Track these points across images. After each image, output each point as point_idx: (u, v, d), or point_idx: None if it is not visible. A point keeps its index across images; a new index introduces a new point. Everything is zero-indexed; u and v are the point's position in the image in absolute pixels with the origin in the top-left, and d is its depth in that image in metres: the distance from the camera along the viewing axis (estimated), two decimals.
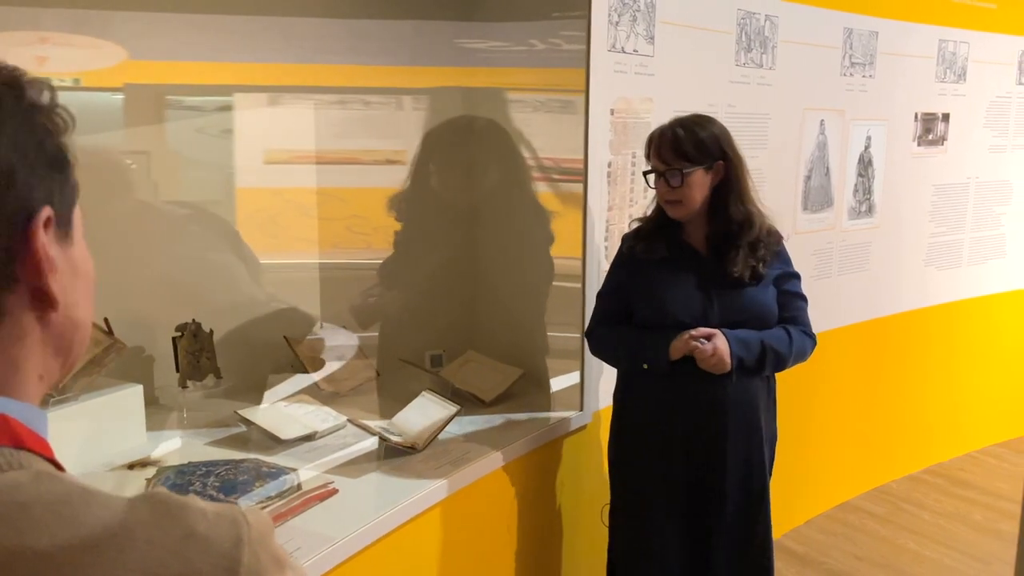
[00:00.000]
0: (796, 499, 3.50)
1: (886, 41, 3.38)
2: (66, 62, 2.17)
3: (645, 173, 2.04)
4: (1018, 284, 4.28)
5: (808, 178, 3.21)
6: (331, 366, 2.57)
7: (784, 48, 2.96)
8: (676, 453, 2.04)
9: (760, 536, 2.13)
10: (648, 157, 2.03)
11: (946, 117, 3.76)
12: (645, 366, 2.02)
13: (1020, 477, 4.01)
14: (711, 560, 2.08)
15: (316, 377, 2.48)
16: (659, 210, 2.06)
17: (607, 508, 2.22)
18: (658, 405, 2.05)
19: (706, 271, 2.01)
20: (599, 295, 2.17)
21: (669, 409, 2.03)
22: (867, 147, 3.44)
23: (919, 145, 3.67)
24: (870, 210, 3.51)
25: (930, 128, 3.70)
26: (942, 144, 3.77)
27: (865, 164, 3.44)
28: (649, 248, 2.04)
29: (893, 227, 3.63)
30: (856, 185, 3.43)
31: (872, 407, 3.77)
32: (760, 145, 2.96)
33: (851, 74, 3.28)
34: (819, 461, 3.56)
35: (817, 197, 3.26)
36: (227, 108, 2.48)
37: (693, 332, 1.94)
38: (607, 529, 2.23)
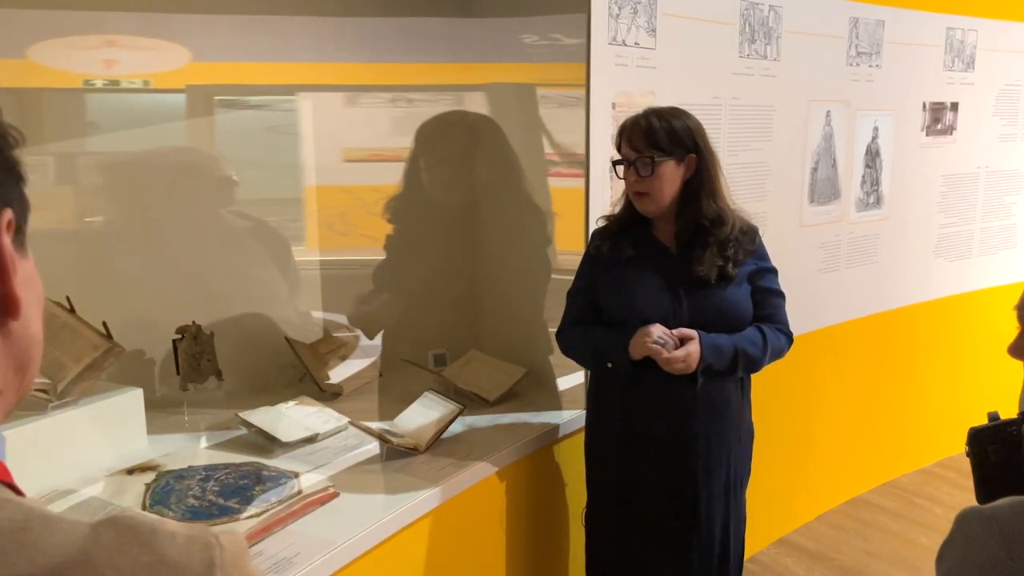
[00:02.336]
0: (806, 495, 3.46)
1: (893, 30, 3.33)
2: (134, 64, 2.25)
3: (615, 163, 1.96)
4: None
5: (814, 170, 3.16)
6: (333, 367, 2.55)
7: (788, 39, 2.92)
8: (647, 455, 2.00)
9: (733, 531, 2.10)
10: (619, 147, 1.96)
11: (955, 106, 3.71)
12: (609, 365, 1.98)
13: None
14: (687, 560, 2.04)
15: (319, 378, 2.47)
16: (628, 206, 2.00)
17: (585, 511, 2.19)
18: (627, 406, 2.00)
19: (675, 269, 1.95)
20: (569, 294, 2.09)
21: (638, 410, 1.99)
22: (874, 138, 3.39)
23: (927, 135, 3.62)
24: (878, 202, 3.47)
25: (938, 118, 3.65)
26: (951, 134, 3.72)
27: (873, 155, 3.40)
28: (616, 247, 1.98)
29: (902, 219, 3.59)
30: (864, 176, 3.38)
31: (882, 400, 3.73)
32: (765, 137, 2.92)
33: (857, 64, 3.24)
34: (829, 456, 3.52)
35: (824, 189, 3.22)
36: (278, 108, 2.54)
37: (663, 334, 1.88)
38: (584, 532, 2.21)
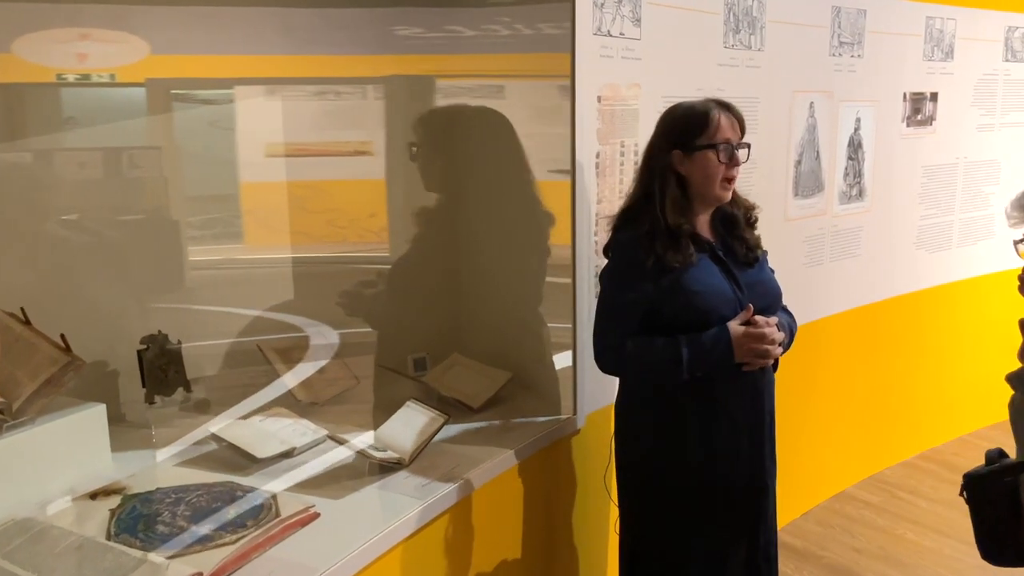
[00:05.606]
0: (792, 491, 3.41)
1: (874, 19, 3.28)
2: (103, 58, 2.21)
3: (717, 146, 1.85)
4: (1007, 264, 4.22)
5: (798, 163, 3.10)
6: (307, 373, 2.44)
7: (772, 28, 2.84)
8: (725, 456, 1.94)
9: (774, 515, 2.10)
10: (701, 134, 1.86)
11: (934, 96, 3.67)
12: (698, 374, 1.87)
13: None
14: (754, 552, 2.02)
15: (292, 386, 2.35)
16: (673, 208, 1.87)
17: (617, 527, 2.12)
18: (703, 409, 1.92)
19: (723, 259, 1.94)
20: (614, 307, 1.92)
21: (716, 411, 1.92)
22: (857, 129, 3.34)
23: (908, 126, 3.58)
24: (861, 194, 3.42)
25: (919, 108, 3.61)
26: (931, 124, 3.69)
27: (855, 147, 3.35)
28: (684, 256, 1.85)
29: (884, 211, 3.54)
30: (846, 169, 3.33)
31: (864, 394, 3.70)
32: (750, 130, 2.78)
33: (840, 54, 3.18)
34: (814, 451, 3.48)
35: (807, 182, 3.16)
36: (218, 102, 2.46)
37: (757, 330, 1.85)
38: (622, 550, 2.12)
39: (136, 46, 2.23)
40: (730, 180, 1.90)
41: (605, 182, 2.29)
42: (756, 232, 2.02)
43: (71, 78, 2.20)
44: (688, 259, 1.86)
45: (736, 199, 1.98)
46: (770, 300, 1.96)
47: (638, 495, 2.05)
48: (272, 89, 2.52)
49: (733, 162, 1.88)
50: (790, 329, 1.99)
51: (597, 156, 2.25)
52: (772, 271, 2.06)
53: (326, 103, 2.64)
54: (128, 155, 2.31)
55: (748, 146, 1.92)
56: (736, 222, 1.98)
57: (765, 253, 2.04)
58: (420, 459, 1.95)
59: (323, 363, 2.49)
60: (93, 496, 1.72)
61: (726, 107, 1.91)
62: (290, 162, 2.54)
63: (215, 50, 2.38)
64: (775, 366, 1.98)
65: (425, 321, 2.65)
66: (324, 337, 2.59)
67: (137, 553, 1.47)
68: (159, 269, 2.38)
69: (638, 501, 2.06)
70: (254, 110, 2.52)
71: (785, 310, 2.05)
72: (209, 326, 2.42)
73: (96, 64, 2.19)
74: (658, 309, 1.88)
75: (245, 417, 2.14)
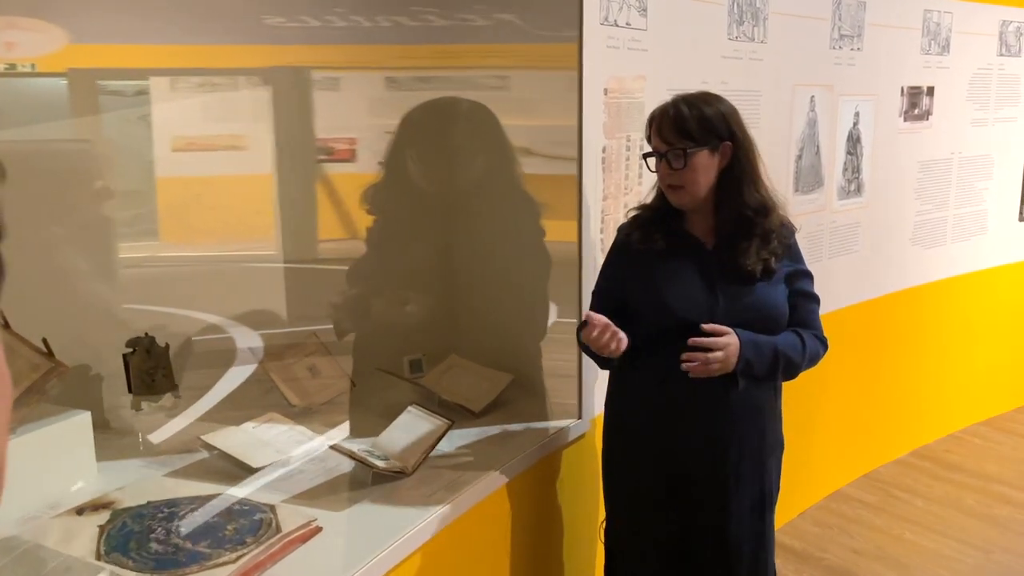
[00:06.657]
0: (790, 491, 3.34)
1: (873, 11, 3.23)
2: (29, 47, 2.11)
3: (645, 156, 1.84)
4: (999, 260, 4.21)
5: (799, 158, 3.05)
6: (299, 376, 2.34)
7: (775, 20, 2.78)
8: (679, 464, 1.85)
9: (765, 548, 1.97)
10: (648, 139, 1.84)
11: (931, 91, 3.64)
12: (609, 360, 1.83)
13: (1006, 457, 3.95)
14: (722, 552, 1.91)
15: (283, 390, 2.26)
16: (660, 197, 1.87)
17: (603, 526, 2.04)
18: (658, 411, 1.85)
19: (711, 264, 1.81)
20: (594, 291, 1.98)
21: (671, 417, 1.84)
22: (855, 123, 3.29)
23: (905, 120, 3.54)
24: (859, 189, 3.37)
25: (915, 103, 3.58)
26: (927, 119, 3.65)
27: (854, 141, 3.30)
28: (646, 237, 1.83)
29: (881, 206, 3.50)
30: (845, 163, 3.28)
31: (858, 391, 3.66)
32: (752, 124, 2.72)
33: (840, 47, 3.12)
34: (811, 450, 3.43)
35: (808, 177, 3.10)
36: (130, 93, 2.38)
37: (706, 327, 1.74)
38: (603, 549, 2.05)
39: (55, 35, 2.12)
40: (670, 187, 1.80)
41: (610, 178, 2.22)
42: (766, 253, 1.80)
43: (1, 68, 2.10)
44: (649, 243, 1.82)
45: (743, 202, 1.79)
46: (753, 317, 1.79)
47: (608, 490, 2.01)
48: (176, 80, 2.45)
49: (663, 170, 1.79)
50: (774, 350, 1.79)
51: (603, 151, 2.18)
52: (801, 292, 1.89)
53: (235, 95, 2.56)
54: (57, 149, 2.18)
55: (682, 150, 1.74)
56: (745, 228, 1.79)
57: (798, 273, 1.89)
58: (423, 467, 1.86)
59: (316, 367, 2.40)
60: (80, 511, 1.61)
61: (663, 111, 1.79)
62: (196, 157, 2.49)
63: (130, 39, 2.26)
64: (735, 382, 1.77)
65: (420, 320, 2.56)
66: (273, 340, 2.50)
67: (130, 574, 1.38)
68: (97, 269, 2.26)
69: (607, 496, 2.01)
70: (165, 102, 2.46)
71: (799, 335, 1.86)
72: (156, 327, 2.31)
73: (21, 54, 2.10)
74: (627, 300, 1.86)
75: (237, 425, 2.05)
